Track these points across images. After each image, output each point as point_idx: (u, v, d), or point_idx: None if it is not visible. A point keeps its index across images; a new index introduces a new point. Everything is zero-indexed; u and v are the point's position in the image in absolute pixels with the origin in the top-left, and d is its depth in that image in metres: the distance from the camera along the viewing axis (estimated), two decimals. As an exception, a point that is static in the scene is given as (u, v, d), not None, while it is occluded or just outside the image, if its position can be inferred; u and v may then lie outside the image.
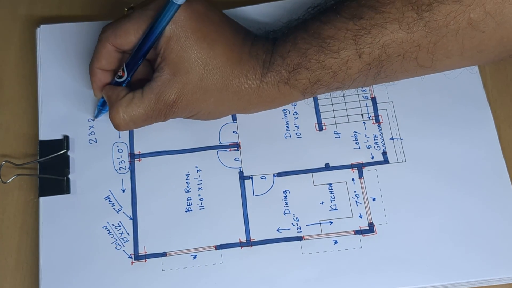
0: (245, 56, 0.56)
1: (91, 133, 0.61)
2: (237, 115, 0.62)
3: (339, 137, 0.61)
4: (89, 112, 0.62)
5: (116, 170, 0.60)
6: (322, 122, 0.62)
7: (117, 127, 0.56)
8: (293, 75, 0.55)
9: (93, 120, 0.62)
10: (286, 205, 0.59)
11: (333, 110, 0.63)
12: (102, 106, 0.61)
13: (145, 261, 0.57)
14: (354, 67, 0.54)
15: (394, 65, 0.53)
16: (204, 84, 0.55)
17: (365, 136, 0.61)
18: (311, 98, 0.63)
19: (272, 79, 0.56)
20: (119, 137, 0.62)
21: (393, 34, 0.51)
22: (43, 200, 0.59)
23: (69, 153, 0.61)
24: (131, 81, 0.58)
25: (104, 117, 0.61)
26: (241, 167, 0.60)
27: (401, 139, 0.61)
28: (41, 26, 0.65)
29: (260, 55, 0.56)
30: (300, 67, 0.55)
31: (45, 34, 0.65)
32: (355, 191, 0.59)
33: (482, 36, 0.51)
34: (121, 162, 0.61)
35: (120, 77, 0.57)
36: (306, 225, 0.58)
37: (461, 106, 0.62)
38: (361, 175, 0.60)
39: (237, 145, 0.61)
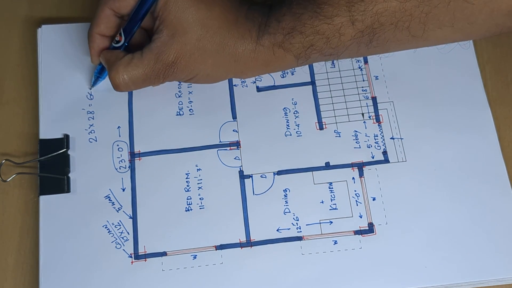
0: (242, 19, 0.57)
1: (91, 132, 0.61)
2: (237, 113, 0.62)
3: (339, 136, 0.61)
4: (89, 113, 0.62)
5: (116, 169, 0.60)
6: (323, 121, 0.62)
7: (117, 87, 0.57)
8: (288, 38, 0.56)
9: (90, 89, 0.62)
10: (286, 204, 0.59)
11: (334, 110, 0.62)
12: (99, 73, 0.62)
13: (145, 260, 0.57)
14: (347, 34, 0.54)
15: (387, 33, 0.54)
16: (201, 45, 0.56)
17: (366, 136, 0.61)
18: (311, 95, 0.63)
19: (267, 42, 0.56)
20: (119, 136, 0.61)
21: (386, 3, 0.52)
22: (43, 199, 0.59)
23: (69, 152, 0.60)
24: (128, 47, 0.59)
25: (104, 111, 0.62)
26: (241, 166, 0.60)
27: (401, 138, 0.61)
28: (43, 26, 0.65)
29: (256, 18, 0.57)
30: (294, 31, 0.55)
31: (46, 34, 0.64)
32: (355, 191, 0.59)
33: (472, 8, 0.52)
34: (121, 161, 0.61)
35: (118, 41, 0.59)
36: (306, 224, 0.58)
37: (462, 106, 0.62)
38: (361, 174, 0.60)
39: (237, 144, 0.61)
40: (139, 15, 0.57)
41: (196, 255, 0.57)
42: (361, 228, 0.58)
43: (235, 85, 0.63)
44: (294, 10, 0.55)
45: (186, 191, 0.59)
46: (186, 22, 0.55)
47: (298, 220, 0.58)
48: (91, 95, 0.63)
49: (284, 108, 0.62)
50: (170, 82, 0.62)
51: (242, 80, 0.63)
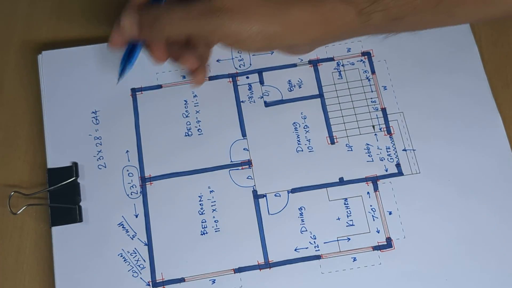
0: None
1: (99, 158, 0.60)
2: (246, 130, 0.61)
3: (351, 150, 0.61)
4: (96, 139, 0.61)
5: (128, 195, 0.59)
6: (334, 135, 0.61)
7: (169, 23, 0.53)
8: None
9: (118, 82, 0.61)
10: (303, 223, 0.58)
11: (344, 123, 0.62)
12: (128, 56, 0.59)
13: (164, 288, 0.57)
14: None
15: None
16: None
17: (378, 148, 0.61)
18: (320, 109, 0.62)
19: None
20: (129, 161, 0.60)
21: None
22: (55, 230, 0.58)
23: (78, 180, 0.59)
24: None
25: (111, 136, 0.61)
26: (254, 185, 0.60)
27: (413, 150, 0.61)
28: (43, 52, 0.63)
29: None
30: None
31: (47, 61, 0.63)
32: (371, 205, 0.59)
33: None
34: (132, 186, 0.60)
35: None
36: (324, 242, 0.58)
37: (471, 113, 0.62)
38: (376, 189, 0.59)
39: (249, 163, 0.60)
40: None
41: (215, 280, 0.57)
42: (379, 244, 0.58)
43: (242, 101, 0.63)
44: None
45: (200, 214, 0.59)
46: None
47: (315, 239, 0.58)
48: (96, 119, 0.61)
49: (294, 122, 0.62)
50: (177, 101, 0.62)
51: (250, 95, 0.63)
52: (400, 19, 0.53)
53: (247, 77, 0.64)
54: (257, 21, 0.52)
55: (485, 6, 0.53)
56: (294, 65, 0.64)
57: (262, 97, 0.63)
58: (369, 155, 0.61)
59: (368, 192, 0.59)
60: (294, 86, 0.63)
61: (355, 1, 0.52)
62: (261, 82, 0.63)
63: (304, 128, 0.62)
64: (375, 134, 0.61)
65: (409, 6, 0.52)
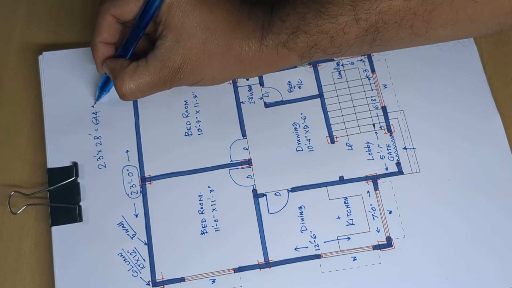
0: (245, 19, 0.56)
1: (99, 158, 0.60)
2: (246, 130, 0.61)
3: (351, 149, 0.61)
4: (96, 138, 0.61)
5: (128, 194, 0.59)
6: (334, 134, 0.61)
7: (123, 96, 0.56)
8: (292, 38, 0.55)
9: (94, 104, 0.61)
10: (303, 222, 0.58)
11: (344, 122, 0.62)
12: (104, 86, 0.60)
13: (164, 287, 0.56)
14: (351, 33, 0.54)
15: (390, 32, 0.54)
16: (207, 48, 0.55)
17: (378, 147, 0.61)
18: (320, 108, 0.62)
19: (272, 42, 0.56)
20: (128, 160, 0.60)
21: (390, 1, 0.52)
22: (55, 229, 0.58)
23: (78, 179, 0.59)
24: (132, 55, 0.58)
25: (111, 136, 0.61)
26: (254, 184, 0.60)
27: (414, 148, 0.60)
28: (44, 53, 0.63)
29: (259, 17, 0.57)
30: (298, 31, 0.55)
31: (48, 61, 0.63)
32: (371, 204, 0.59)
33: (475, 6, 0.52)
34: (132, 186, 0.60)
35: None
36: (324, 242, 0.58)
37: (471, 112, 0.61)
38: (376, 188, 0.59)
39: (248, 162, 0.60)
40: (143, 22, 0.56)
41: (214, 279, 0.57)
42: (380, 243, 0.58)
43: (242, 102, 0.63)
44: (298, 10, 0.55)
45: (200, 213, 0.59)
46: (190, 26, 0.55)
47: (315, 238, 0.58)
48: (97, 120, 0.61)
49: (294, 123, 0.62)
50: (177, 101, 0.62)
51: (250, 96, 0.63)
52: (339, 53, 0.57)
53: (247, 79, 0.64)
54: (211, 72, 0.57)
55: (418, 38, 0.55)
56: (294, 66, 0.64)
57: (262, 98, 0.63)
58: (369, 153, 0.60)
59: (368, 191, 0.59)
60: (294, 87, 0.63)
61: (296, 48, 0.56)
62: (261, 83, 0.63)
63: (304, 128, 0.62)
64: (375, 133, 0.61)
65: (345, 46, 0.56)
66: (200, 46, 0.55)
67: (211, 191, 0.59)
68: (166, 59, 0.55)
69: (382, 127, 0.61)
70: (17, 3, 0.66)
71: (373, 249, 0.57)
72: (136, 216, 0.59)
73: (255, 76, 0.62)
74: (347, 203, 0.59)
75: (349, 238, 0.58)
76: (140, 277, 0.57)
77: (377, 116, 0.62)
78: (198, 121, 0.62)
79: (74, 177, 0.59)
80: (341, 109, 0.62)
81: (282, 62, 0.58)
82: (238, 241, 0.58)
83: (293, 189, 0.59)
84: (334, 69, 0.64)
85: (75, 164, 0.60)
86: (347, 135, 0.61)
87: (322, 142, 0.61)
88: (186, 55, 0.55)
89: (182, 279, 0.57)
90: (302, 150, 0.61)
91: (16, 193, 0.59)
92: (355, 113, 0.62)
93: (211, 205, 0.59)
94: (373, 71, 0.63)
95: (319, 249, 0.57)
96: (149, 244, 0.58)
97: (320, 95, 0.63)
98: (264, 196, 0.59)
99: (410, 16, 0.53)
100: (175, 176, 0.60)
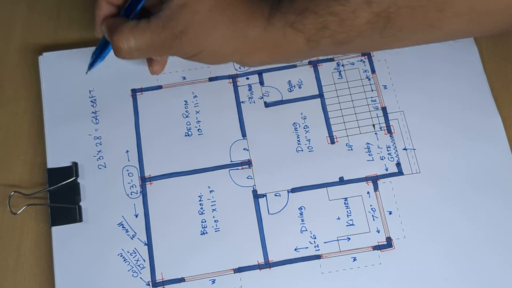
0: None
1: (99, 158, 0.60)
2: (246, 130, 0.61)
3: (351, 149, 0.61)
4: (96, 138, 0.61)
5: (128, 195, 0.59)
6: (334, 134, 0.61)
7: (119, 51, 0.54)
8: (300, 19, 0.53)
9: (86, 73, 0.60)
10: (303, 222, 0.58)
11: (344, 122, 0.62)
12: (100, 51, 0.59)
13: (163, 287, 0.57)
14: (362, 17, 0.52)
15: (402, 20, 0.52)
16: (213, 16, 0.53)
17: (378, 147, 0.61)
18: (320, 109, 0.62)
19: (279, 22, 0.54)
20: (128, 160, 0.60)
21: None
22: (55, 229, 0.58)
23: (78, 180, 0.59)
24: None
25: (111, 136, 0.61)
26: (254, 185, 0.60)
27: (414, 149, 0.60)
28: (44, 54, 0.63)
29: None
30: (307, 11, 0.53)
31: (48, 62, 0.63)
32: (371, 205, 0.59)
33: None
34: (132, 186, 0.60)
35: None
36: (324, 242, 0.58)
37: (471, 112, 0.61)
38: (376, 188, 0.59)
39: (248, 163, 0.60)
40: None
41: (214, 280, 0.57)
42: (380, 243, 0.58)
43: (242, 102, 0.62)
44: None
45: (200, 214, 0.59)
46: None
47: (315, 238, 0.58)
48: (96, 119, 0.61)
49: (294, 123, 0.62)
50: (177, 101, 0.62)
51: (250, 96, 0.63)
52: (348, 43, 0.54)
53: (247, 78, 0.64)
54: (213, 43, 0.54)
55: (430, 29, 0.53)
56: (294, 66, 0.64)
57: (262, 97, 0.63)
58: (369, 154, 0.60)
59: (368, 192, 0.59)
60: (294, 86, 0.63)
61: (303, 29, 0.54)
62: (261, 83, 0.63)
63: (304, 128, 0.62)
64: (375, 133, 0.61)
65: (355, 32, 0.53)
66: (206, 13, 0.53)
67: (211, 191, 0.59)
68: (169, 19, 0.53)
69: (382, 128, 0.61)
70: (17, 3, 0.67)
71: (373, 250, 0.57)
72: (136, 216, 0.59)
73: (257, 64, 0.59)
74: (347, 203, 0.59)
75: (349, 238, 0.58)
76: (140, 278, 0.57)
77: (377, 116, 0.62)
78: (198, 121, 0.62)
79: (74, 177, 0.59)
80: (341, 109, 0.62)
81: (287, 46, 0.55)
82: (238, 241, 0.58)
83: (293, 190, 0.59)
84: (334, 69, 0.64)
85: (75, 164, 0.60)
86: (347, 136, 0.61)
87: (322, 142, 0.61)
88: (191, 19, 0.53)
89: (182, 280, 0.57)
90: (302, 150, 0.61)
91: (16, 193, 0.59)
92: (355, 113, 0.62)
93: (211, 205, 0.59)
94: (373, 71, 0.63)
95: (319, 249, 0.57)
96: (149, 244, 0.58)
97: (320, 95, 0.63)
98: (264, 197, 0.59)
99: (424, 2, 0.51)
100: (175, 176, 0.60)
